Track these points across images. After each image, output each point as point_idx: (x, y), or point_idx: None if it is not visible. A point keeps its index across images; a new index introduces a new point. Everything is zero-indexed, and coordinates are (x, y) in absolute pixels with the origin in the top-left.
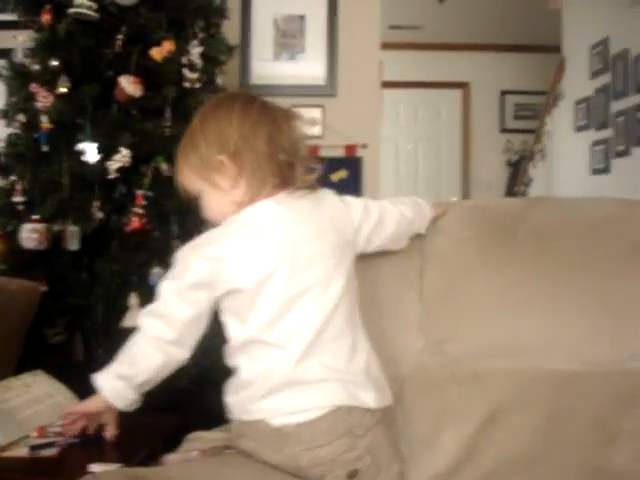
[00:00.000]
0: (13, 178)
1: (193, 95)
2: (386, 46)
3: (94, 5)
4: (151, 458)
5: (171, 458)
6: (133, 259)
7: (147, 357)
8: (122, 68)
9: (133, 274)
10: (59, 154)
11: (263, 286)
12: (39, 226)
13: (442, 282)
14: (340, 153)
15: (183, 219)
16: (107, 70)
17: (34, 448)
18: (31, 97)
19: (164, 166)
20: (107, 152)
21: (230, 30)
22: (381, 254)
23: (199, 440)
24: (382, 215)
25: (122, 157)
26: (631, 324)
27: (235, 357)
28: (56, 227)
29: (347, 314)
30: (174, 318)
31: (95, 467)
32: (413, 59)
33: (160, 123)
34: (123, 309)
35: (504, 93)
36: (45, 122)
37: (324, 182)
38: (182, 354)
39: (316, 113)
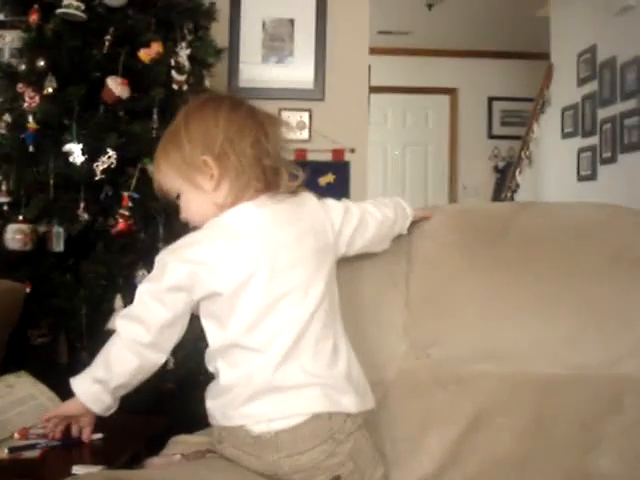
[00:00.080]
0: None
1: (181, 97)
2: (375, 51)
3: (82, 6)
4: (135, 460)
5: (154, 462)
6: (119, 261)
7: (122, 361)
8: (110, 69)
9: (118, 276)
10: (45, 155)
11: (242, 290)
12: (24, 227)
13: (428, 286)
14: (328, 157)
15: (169, 221)
16: (94, 71)
17: (13, 450)
18: (18, 97)
19: (151, 168)
20: (93, 153)
21: (219, 33)
22: (367, 258)
23: (182, 443)
24: (363, 217)
25: (108, 158)
26: (615, 329)
27: (214, 362)
28: (41, 228)
29: (327, 318)
30: (150, 321)
31: (78, 469)
32: (401, 64)
33: (147, 125)
34: (108, 311)
35: (492, 99)
36: (31, 122)
37: (311, 186)
38: (158, 358)
39: (304, 117)
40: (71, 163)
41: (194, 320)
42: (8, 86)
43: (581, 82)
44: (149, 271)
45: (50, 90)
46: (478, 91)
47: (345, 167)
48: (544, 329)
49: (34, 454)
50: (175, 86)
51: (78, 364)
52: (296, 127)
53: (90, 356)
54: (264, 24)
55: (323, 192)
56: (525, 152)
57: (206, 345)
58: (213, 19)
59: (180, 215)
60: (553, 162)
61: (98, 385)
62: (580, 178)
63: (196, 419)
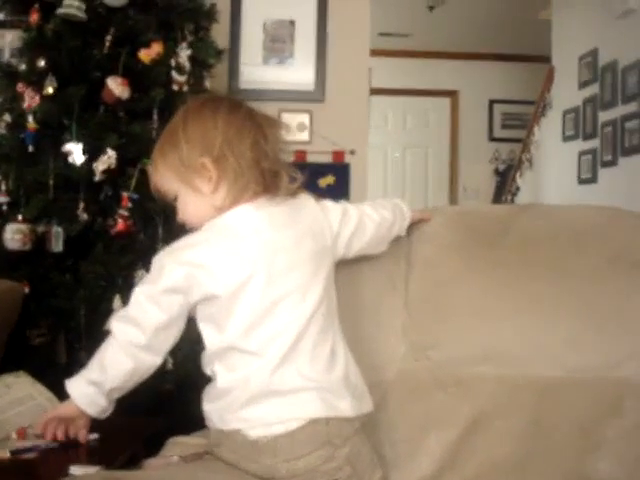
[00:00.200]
0: None
1: (181, 98)
2: (375, 53)
3: (83, 6)
4: (133, 461)
5: (152, 463)
6: (118, 261)
7: (117, 363)
8: (110, 69)
9: (117, 276)
10: (45, 155)
11: (240, 293)
12: (23, 227)
13: (427, 288)
14: (328, 159)
15: (168, 222)
16: (95, 71)
17: (16, 452)
18: (17, 97)
19: (150, 169)
20: (93, 153)
21: (219, 34)
22: (366, 260)
23: (180, 445)
24: (361, 219)
25: (108, 159)
26: (615, 332)
27: (211, 365)
28: (40, 228)
29: (325, 321)
30: (145, 323)
31: (75, 469)
32: (402, 66)
33: (147, 125)
34: (107, 311)
35: (493, 102)
36: (31, 122)
37: (311, 187)
38: (153, 360)
39: (304, 118)
40: (71, 163)
41: (193, 321)
42: (8, 86)
43: (582, 85)
44: (148, 272)
45: (50, 90)
46: (479, 94)
47: (345, 169)
48: (543, 331)
49: (32, 454)
50: (175, 87)
51: (77, 364)
52: (296, 129)
53: (89, 356)
54: (265, 25)
55: (323, 194)
56: (526, 155)
57: (203, 347)
58: (214, 20)
59: (177, 217)
60: (554, 165)
61: (93, 387)
62: (581, 181)
63: (194, 420)
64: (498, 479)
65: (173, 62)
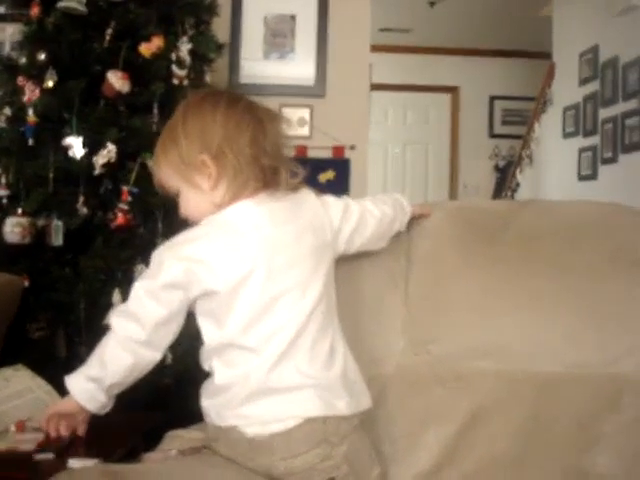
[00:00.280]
0: None
1: (181, 92)
2: (376, 48)
3: None
4: (131, 455)
5: (151, 457)
6: (117, 255)
7: (117, 358)
8: (110, 63)
9: (117, 270)
10: (45, 148)
11: (240, 289)
12: (23, 220)
13: (427, 283)
14: (328, 154)
15: (168, 216)
16: (95, 65)
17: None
18: (18, 90)
19: (150, 163)
20: (93, 147)
21: (220, 28)
22: (366, 255)
23: (178, 439)
24: (363, 215)
25: (108, 153)
26: (614, 328)
27: (210, 361)
28: (40, 222)
29: (325, 319)
30: (145, 319)
31: (74, 462)
32: (403, 62)
33: (147, 119)
34: (106, 306)
35: (493, 98)
36: (31, 116)
37: (311, 182)
38: (153, 356)
39: (304, 113)
40: (71, 157)
41: (192, 317)
42: (8, 79)
43: (583, 82)
44: (148, 266)
45: (50, 83)
46: (479, 90)
47: (345, 164)
48: (543, 327)
49: (30, 446)
50: (176, 81)
51: (76, 358)
52: (296, 124)
53: (88, 350)
54: (265, 20)
55: (323, 189)
56: (526, 151)
57: (202, 343)
58: (214, 14)
59: (180, 212)
60: (554, 162)
61: (93, 383)
62: (581, 178)
63: (193, 415)
64: (497, 474)
65: (173, 56)
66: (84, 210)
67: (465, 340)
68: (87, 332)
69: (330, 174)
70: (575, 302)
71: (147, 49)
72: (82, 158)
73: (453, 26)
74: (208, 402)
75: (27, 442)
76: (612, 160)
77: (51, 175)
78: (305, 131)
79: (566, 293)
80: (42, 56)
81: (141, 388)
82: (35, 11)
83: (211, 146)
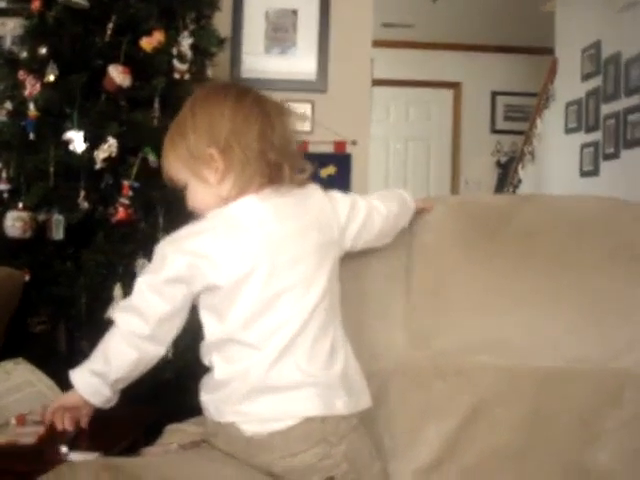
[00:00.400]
0: None
1: (182, 86)
2: (378, 44)
3: None
4: (132, 449)
5: (151, 451)
6: (119, 250)
7: (121, 354)
8: (111, 57)
9: (118, 265)
10: (46, 142)
11: (242, 284)
12: (24, 214)
13: (429, 278)
14: (329, 149)
15: (170, 211)
16: (96, 59)
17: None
18: (19, 85)
19: (152, 157)
20: (94, 142)
21: (221, 22)
22: (368, 250)
23: (178, 432)
24: (370, 212)
25: (109, 147)
26: (615, 323)
27: (209, 356)
28: (41, 216)
29: (327, 316)
30: (149, 313)
31: (74, 456)
32: (405, 57)
33: (149, 114)
34: (108, 300)
35: (495, 94)
36: (32, 110)
37: (312, 177)
38: (157, 350)
39: (306, 108)
40: (72, 151)
41: (195, 312)
42: (9, 73)
43: (585, 77)
44: (149, 260)
45: (51, 78)
46: (481, 85)
47: (347, 159)
48: (544, 322)
49: (31, 439)
50: (177, 75)
51: (77, 352)
52: (300, 119)
53: (89, 344)
54: (267, 14)
55: (324, 184)
56: (528, 147)
57: (203, 337)
58: (216, 8)
59: (187, 204)
60: (556, 157)
61: (97, 378)
62: (583, 174)
63: (193, 409)
64: (497, 468)
65: (175, 50)
66: (85, 204)
67: (466, 335)
68: (88, 326)
69: (331, 169)
70: (576, 297)
71: (148, 43)
72: (83, 152)
73: (455, 21)
74: (207, 397)
75: (27, 435)
76: (614, 156)
77: (52, 169)
78: (306, 126)
79: (567, 288)
80: (43, 50)
81: (142, 383)
82: (36, 5)
83: (219, 140)
